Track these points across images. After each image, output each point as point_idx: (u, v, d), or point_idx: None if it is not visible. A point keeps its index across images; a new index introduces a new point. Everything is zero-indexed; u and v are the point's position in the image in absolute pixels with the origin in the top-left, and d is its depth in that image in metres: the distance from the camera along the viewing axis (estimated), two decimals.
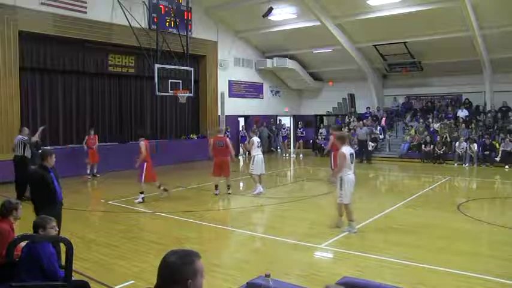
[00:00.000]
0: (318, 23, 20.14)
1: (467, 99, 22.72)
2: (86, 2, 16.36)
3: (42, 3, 15.19)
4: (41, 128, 12.84)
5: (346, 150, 8.34)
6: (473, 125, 20.49)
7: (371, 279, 4.88)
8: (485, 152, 18.50)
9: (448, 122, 21.22)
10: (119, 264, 6.65)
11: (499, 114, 20.90)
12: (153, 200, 11.67)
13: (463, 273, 6.18)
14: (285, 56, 24.42)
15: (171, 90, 17.33)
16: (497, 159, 18.04)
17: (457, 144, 19.20)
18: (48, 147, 15.13)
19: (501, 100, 21.38)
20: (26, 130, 12.10)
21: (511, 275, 6.00)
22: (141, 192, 11.26)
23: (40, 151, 8.29)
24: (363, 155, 20.57)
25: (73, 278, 4.46)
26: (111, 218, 9.92)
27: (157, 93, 17.01)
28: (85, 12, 16.39)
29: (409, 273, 6.24)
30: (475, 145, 18.73)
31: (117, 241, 7.92)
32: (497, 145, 18.53)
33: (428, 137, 20.18)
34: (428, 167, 18.09)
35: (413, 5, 17.74)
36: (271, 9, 19.16)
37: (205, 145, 21.23)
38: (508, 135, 18.42)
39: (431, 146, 19.75)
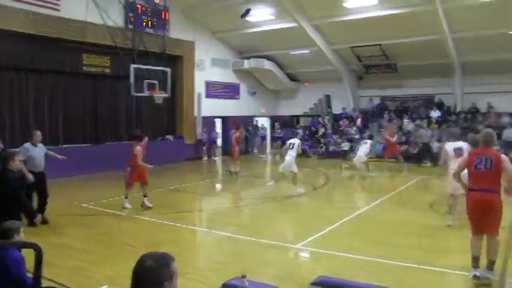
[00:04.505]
0: (295, 24, 20.24)
1: (440, 99, 23.08)
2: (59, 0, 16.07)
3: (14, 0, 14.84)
4: None
5: (449, 146, 9.00)
6: (444, 126, 20.86)
7: (346, 278, 4.92)
8: None
9: (421, 123, 21.54)
10: (93, 268, 6.55)
11: (469, 115, 21.39)
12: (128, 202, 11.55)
13: (437, 269, 6.31)
14: (262, 57, 24.46)
15: (147, 90, 17.16)
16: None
17: (430, 144, 19.51)
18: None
19: (471, 102, 21.92)
20: None
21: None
22: None
23: (2, 153, 7.93)
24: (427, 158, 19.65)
25: (43, 285, 4.35)
26: (84, 221, 9.69)
27: (133, 93, 16.83)
28: (58, 10, 16.04)
29: (384, 272, 6.33)
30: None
31: (90, 245, 7.81)
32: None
33: (403, 137, 20.45)
34: (402, 167, 18.25)
35: (389, 8, 17.98)
36: (249, 10, 19.19)
37: (181, 145, 21.21)
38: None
39: (406, 146, 20.01)
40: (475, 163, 5.71)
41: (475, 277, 5.62)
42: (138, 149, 10.62)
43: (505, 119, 20.03)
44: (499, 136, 17.67)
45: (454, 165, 8.27)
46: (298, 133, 15.99)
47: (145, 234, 8.60)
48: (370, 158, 16.84)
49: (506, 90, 20.61)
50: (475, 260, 5.73)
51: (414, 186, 14.62)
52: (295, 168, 12.70)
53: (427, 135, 19.97)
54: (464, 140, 8.79)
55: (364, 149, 16.37)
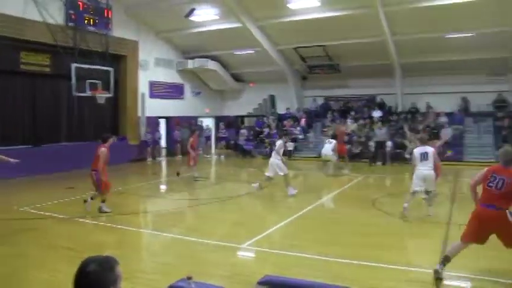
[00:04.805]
0: (240, 25, 20.33)
1: (381, 99, 23.88)
2: None
3: None
4: None
5: (417, 150, 9.59)
6: (387, 125, 21.60)
7: (292, 277, 5.03)
8: (397, 151, 19.60)
9: (363, 122, 22.20)
10: (32, 274, 6.32)
11: (409, 115, 22.26)
12: (68, 205, 11.20)
13: (378, 265, 6.54)
14: (207, 57, 24.39)
15: (89, 90, 16.70)
16: (407, 156, 19.09)
17: (371, 143, 20.17)
18: None
19: (410, 102, 22.87)
20: None
21: (420, 265, 6.44)
22: None
23: None
24: (378, 156, 20.18)
25: None
26: (24, 226, 9.27)
27: (74, 93, 16.31)
28: None
29: (327, 268, 6.50)
30: (390, 143, 19.77)
31: (29, 250, 7.51)
32: (407, 144, 19.62)
33: (346, 136, 20.99)
34: (347, 166, 18.76)
35: (331, 10, 18.42)
36: (193, 10, 19.11)
37: (125, 146, 20.78)
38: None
39: (349, 146, 20.54)
40: (489, 181, 5.74)
41: (434, 271, 5.73)
42: (103, 150, 10.30)
43: (443, 119, 21.07)
44: (437, 135, 18.55)
45: (421, 166, 9.40)
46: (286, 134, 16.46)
47: (88, 238, 8.39)
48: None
49: (444, 91, 21.76)
50: (445, 259, 5.78)
51: (357, 184, 15.04)
52: (283, 170, 12.59)
53: (382, 134, 20.65)
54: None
55: (328, 147, 16.84)
